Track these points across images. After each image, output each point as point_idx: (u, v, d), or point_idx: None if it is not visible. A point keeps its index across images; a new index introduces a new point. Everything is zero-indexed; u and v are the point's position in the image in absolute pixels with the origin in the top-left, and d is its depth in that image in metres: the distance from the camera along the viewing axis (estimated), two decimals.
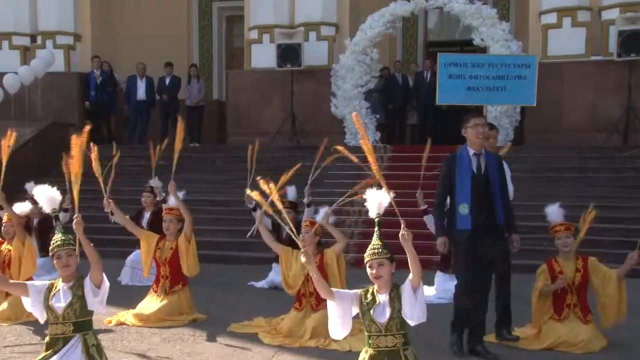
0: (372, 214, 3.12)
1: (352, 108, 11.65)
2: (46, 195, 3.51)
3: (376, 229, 3.14)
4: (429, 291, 6.18)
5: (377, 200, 3.13)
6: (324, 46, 12.36)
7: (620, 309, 4.60)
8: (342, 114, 11.85)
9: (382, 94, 12.47)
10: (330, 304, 3.11)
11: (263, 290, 7.06)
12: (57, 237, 3.42)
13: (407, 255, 2.96)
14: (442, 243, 4.42)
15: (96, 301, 3.37)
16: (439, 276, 6.43)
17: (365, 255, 3.13)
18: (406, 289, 3.01)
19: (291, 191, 6.96)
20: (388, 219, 3.19)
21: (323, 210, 5.18)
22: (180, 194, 5.84)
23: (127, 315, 5.46)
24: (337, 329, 3.12)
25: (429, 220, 6.17)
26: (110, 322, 5.34)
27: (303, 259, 3.00)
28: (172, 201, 5.72)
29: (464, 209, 4.29)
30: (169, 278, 5.57)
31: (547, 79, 9.24)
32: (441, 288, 6.35)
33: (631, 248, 4.66)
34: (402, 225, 2.94)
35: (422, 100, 12.35)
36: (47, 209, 3.53)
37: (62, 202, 3.92)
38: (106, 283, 3.42)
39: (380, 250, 3.10)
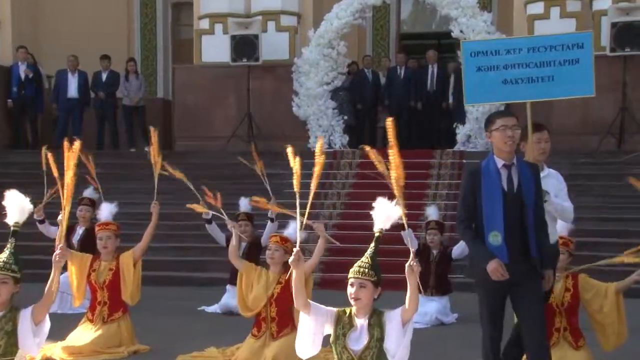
0: (376, 227, 3.14)
1: (316, 108, 11.70)
2: (18, 204, 3.33)
3: (373, 244, 3.16)
4: None
5: (385, 212, 3.15)
6: (284, 38, 12.38)
7: (621, 328, 4.60)
8: (305, 115, 11.87)
9: (350, 93, 12.53)
10: (304, 318, 3.12)
11: (215, 316, 7.01)
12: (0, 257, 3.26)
13: (408, 287, 3.05)
14: (497, 267, 3.77)
15: (34, 343, 3.25)
16: None
17: (350, 269, 3.14)
18: (394, 320, 3.03)
19: (244, 202, 6.95)
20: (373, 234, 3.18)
21: (293, 225, 5.15)
22: (111, 206, 5.78)
23: (55, 349, 5.29)
24: (305, 347, 3.12)
25: (408, 235, 6.24)
26: (34, 359, 5.19)
27: (292, 261, 3.14)
28: (105, 215, 5.66)
29: (495, 238, 3.80)
30: (108, 304, 5.46)
31: None
32: (418, 310, 6.40)
33: (633, 266, 4.61)
34: (411, 256, 3.08)
35: (394, 99, 12.49)
36: (10, 219, 3.33)
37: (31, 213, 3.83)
38: (48, 323, 3.30)
39: (366, 270, 3.12)
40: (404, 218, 3.00)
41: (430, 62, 12.53)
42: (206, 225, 6.89)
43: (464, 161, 10.58)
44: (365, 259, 3.11)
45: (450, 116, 12.19)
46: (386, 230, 3.16)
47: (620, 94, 10.45)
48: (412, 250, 3.05)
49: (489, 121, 4.02)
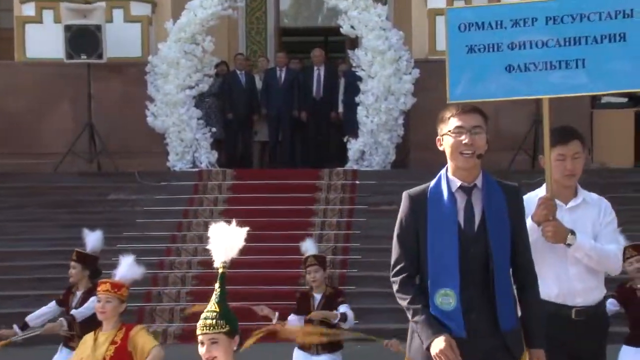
0: (217, 261, 3.04)
1: (176, 118, 11.52)
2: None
3: (217, 285, 3.06)
4: None
5: (225, 241, 3.06)
6: (135, 30, 12.19)
7: None
8: (163, 127, 11.67)
9: (220, 99, 12.47)
10: None
11: None
12: None
13: None
14: (445, 348, 3.15)
15: None
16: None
17: (197, 325, 3.05)
18: None
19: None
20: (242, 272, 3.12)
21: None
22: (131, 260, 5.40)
23: None
24: None
25: (295, 320, 6.23)
26: None
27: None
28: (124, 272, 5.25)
29: (446, 299, 3.22)
30: None
31: (436, 81, 9.82)
32: None
33: None
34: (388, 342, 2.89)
35: (274, 107, 12.54)
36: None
37: None
38: None
39: (215, 321, 3.02)
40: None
41: (316, 64, 12.71)
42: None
43: (357, 182, 10.77)
44: (212, 306, 3.03)
45: (340, 128, 12.39)
46: (229, 264, 3.08)
47: (534, 105, 11.05)
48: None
49: (441, 120, 3.38)
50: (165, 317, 8.64)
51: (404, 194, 3.40)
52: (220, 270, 3.05)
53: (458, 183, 3.31)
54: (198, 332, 3.02)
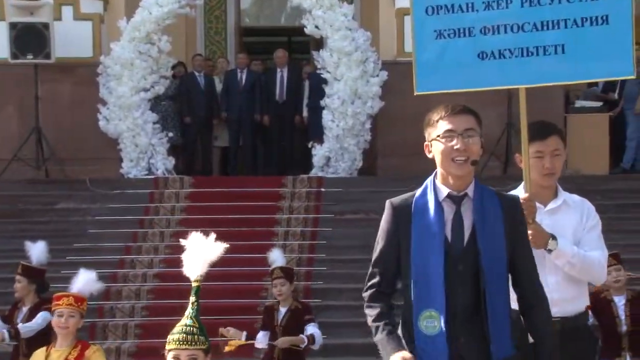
0: (192, 275, 3.03)
1: (131, 122, 11.45)
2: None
3: (193, 299, 3.04)
4: None
5: (200, 254, 3.05)
6: (86, 29, 12.10)
7: None
8: (116, 131, 11.58)
9: (177, 102, 12.41)
10: None
11: None
12: None
13: None
14: None
15: None
16: None
17: (170, 338, 3.01)
18: None
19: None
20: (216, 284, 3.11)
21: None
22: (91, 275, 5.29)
23: None
24: None
25: (262, 337, 6.22)
26: None
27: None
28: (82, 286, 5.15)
29: (430, 322, 3.05)
30: None
31: (405, 83, 9.86)
32: None
33: None
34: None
35: (234, 111, 12.51)
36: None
37: None
38: None
39: (195, 336, 3.00)
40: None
41: (279, 65, 12.71)
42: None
43: (322, 190, 10.78)
44: (190, 320, 3.00)
45: (304, 133, 12.41)
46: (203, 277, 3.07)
47: (506, 108, 11.17)
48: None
49: (428, 123, 3.19)
50: (119, 333, 8.55)
51: (387, 203, 3.23)
52: (194, 284, 3.04)
53: (446, 191, 3.11)
54: (173, 346, 2.97)
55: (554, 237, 3.51)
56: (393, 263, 3.17)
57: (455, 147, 3.05)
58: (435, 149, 3.13)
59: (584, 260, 3.58)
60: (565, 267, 3.57)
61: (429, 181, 3.18)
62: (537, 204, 3.59)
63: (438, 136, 3.10)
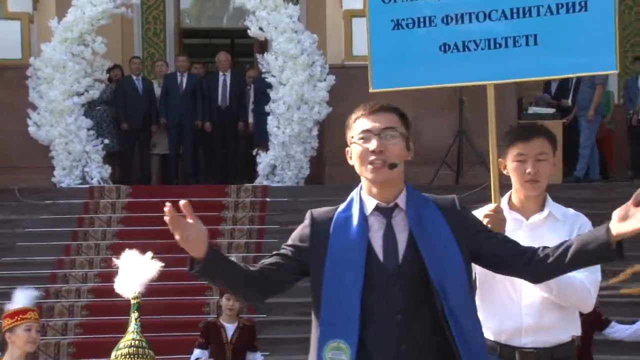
0: (129, 292, 3.02)
1: (63, 128, 11.32)
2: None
3: (136, 315, 3.03)
4: None
5: (136, 270, 3.04)
6: (14, 29, 11.94)
7: None
8: (47, 138, 11.45)
9: (113, 107, 12.32)
10: None
11: None
12: None
13: None
14: None
15: None
16: None
17: (116, 354, 3.00)
18: None
19: None
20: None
21: None
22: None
23: None
24: None
25: (200, 354, 6.22)
26: None
27: None
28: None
29: (336, 354, 2.69)
30: None
31: (354, 88, 9.95)
32: None
33: None
34: None
35: (174, 116, 12.46)
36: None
37: None
38: None
39: (146, 350, 3.01)
40: None
41: (221, 69, 12.70)
42: None
43: (267, 200, 10.79)
44: (137, 335, 3.01)
45: (249, 140, 12.40)
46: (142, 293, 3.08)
47: (457, 116, 11.32)
48: None
49: (347, 125, 2.89)
50: (51, 352, 8.43)
51: (308, 213, 2.91)
52: (134, 301, 3.04)
53: (373, 204, 2.79)
54: None
55: None
56: (287, 271, 2.83)
57: (370, 149, 2.75)
58: (353, 153, 2.82)
59: (563, 282, 3.06)
60: (541, 289, 3.15)
61: (354, 193, 2.87)
62: (518, 217, 3.32)
63: (354, 137, 2.81)
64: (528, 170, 3.25)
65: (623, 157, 12.91)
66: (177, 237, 2.65)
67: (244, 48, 16.03)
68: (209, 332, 6.63)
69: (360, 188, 2.87)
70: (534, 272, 2.79)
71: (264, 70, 11.57)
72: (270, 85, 11.40)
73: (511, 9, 3.34)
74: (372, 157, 2.75)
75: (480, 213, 3.21)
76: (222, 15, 16.37)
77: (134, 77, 12.65)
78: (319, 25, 12.65)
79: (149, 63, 13.97)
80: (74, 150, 11.39)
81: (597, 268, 3.18)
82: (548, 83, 13.28)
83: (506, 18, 3.35)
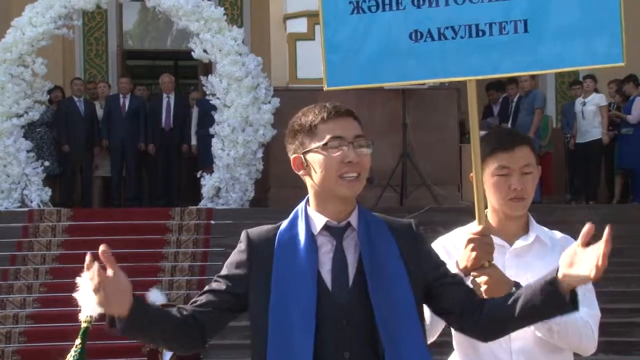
0: (83, 314, 2.96)
1: (2, 150, 11.11)
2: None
3: (79, 340, 2.97)
4: None
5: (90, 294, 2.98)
6: None
7: None
8: None
9: (54, 129, 12.16)
10: None
11: None
12: None
13: None
14: None
15: None
16: None
17: None
18: None
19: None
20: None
21: None
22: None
23: None
24: None
25: None
26: None
27: None
28: None
29: None
30: None
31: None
32: None
33: None
34: None
35: (117, 138, 12.34)
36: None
37: None
38: None
39: None
40: None
41: (165, 91, 12.63)
42: None
43: (212, 222, 10.72)
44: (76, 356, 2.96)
45: (193, 162, 12.33)
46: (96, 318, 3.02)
47: (401, 137, 11.43)
48: None
49: (300, 128, 2.52)
50: None
51: (243, 233, 2.59)
52: (83, 325, 2.99)
53: (322, 222, 2.46)
54: None
55: (518, 286, 2.54)
56: (225, 311, 2.50)
57: (346, 160, 2.41)
58: (314, 163, 2.44)
59: (567, 321, 2.57)
60: (539, 332, 2.65)
61: (299, 209, 2.52)
62: (500, 242, 2.77)
63: (321, 146, 2.42)
64: (513, 186, 2.72)
65: (561, 179, 13.16)
66: (97, 299, 2.28)
67: (188, 70, 15.99)
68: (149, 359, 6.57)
69: (307, 203, 2.51)
70: (483, 329, 2.46)
71: (208, 92, 11.53)
72: (213, 107, 11.35)
73: None
74: (347, 170, 2.41)
75: (458, 237, 2.77)
76: (165, 37, 16.31)
77: (76, 99, 12.51)
78: (264, 48, 12.68)
79: (91, 86, 13.80)
80: (12, 173, 11.17)
81: (594, 300, 2.72)
82: (489, 107, 13.52)
83: (490, 0, 2.75)
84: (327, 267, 2.42)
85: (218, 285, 2.50)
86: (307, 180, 2.49)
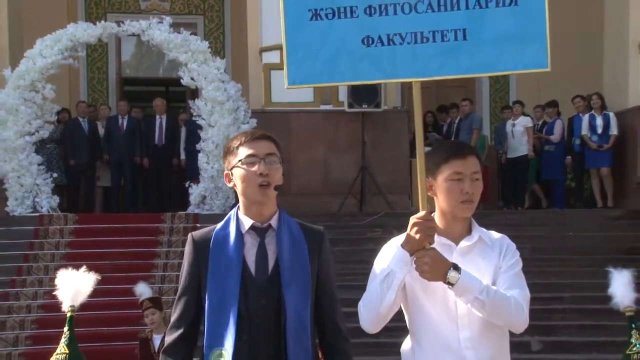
0: (65, 305, 2.93)
1: (16, 163, 10.99)
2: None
3: (66, 328, 2.94)
4: None
5: (73, 286, 2.95)
6: None
7: None
8: (2, 172, 11.07)
9: (61, 146, 12.07)
10: None
11: None
12: None
13: None
14: None
15: None
16: None
17: None
18: None
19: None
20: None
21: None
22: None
23: None
24: None
25: None
26: None
27: None
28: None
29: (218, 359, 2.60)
30: None
31: (272, 130, 9.94)
32: None
33: None
34: None
35: (116, 153, 12.27)
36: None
37: None
38: None
39: None
40: None
41: (157, 112, 12.58)
42: None
43: (198, 225, 10.66)
44: (61, 348, 2.93)
45: (182, 174, 12.29)
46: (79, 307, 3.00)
47: (360, 153, 11.49)
48: None
49: (228, 151, 2.80)
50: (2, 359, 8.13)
51: (189, 236, 2.78)
52: (68, 314, 2.95)
53: (249, 223, 2.69)
54: None
55: (455, 267, 2.55)
56: (195, 302, 2.69)
57: (258, 172, 2.64)
58: (236, 176, 2.70)
59: (496, 298, 2.57)
60: (474, 306, 2.59)
61: (232, 213, 2.76)
62: (447, 242, 2.71)
63: (240, 162, 2.68)
64: (465, 190, 2.66)
65: (495, 188, 13.29)
66: None
67: (178, 95, 15.93)
68: (143, 348, 6.48)
69: (238, 208, 2.76)
70: (320, 342, 2.75)
71: (195, 114, 11.49)
72: (200, 127, 11.33)
73: (438, 1, 2.73)
74: (259, 180, 2.64)
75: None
76: (158, 66, 16.26)
77: (80, 119, 12.44)
78: (243, 76, 12.68)
79: (94, 108, 13.70)
80: (25, 183, 11.06)
81: (524, 284, 2.69)
82: (435, 124, 13.63)
83: (433, 10, 2.73)
84: (252, 258, 2.67)
85: (184, 290, 2.72)
86: (237, 190, 2.72)
